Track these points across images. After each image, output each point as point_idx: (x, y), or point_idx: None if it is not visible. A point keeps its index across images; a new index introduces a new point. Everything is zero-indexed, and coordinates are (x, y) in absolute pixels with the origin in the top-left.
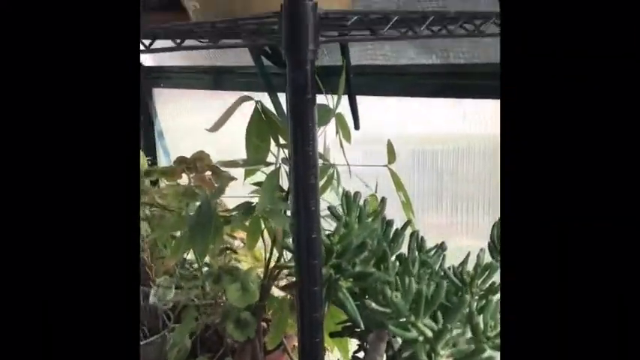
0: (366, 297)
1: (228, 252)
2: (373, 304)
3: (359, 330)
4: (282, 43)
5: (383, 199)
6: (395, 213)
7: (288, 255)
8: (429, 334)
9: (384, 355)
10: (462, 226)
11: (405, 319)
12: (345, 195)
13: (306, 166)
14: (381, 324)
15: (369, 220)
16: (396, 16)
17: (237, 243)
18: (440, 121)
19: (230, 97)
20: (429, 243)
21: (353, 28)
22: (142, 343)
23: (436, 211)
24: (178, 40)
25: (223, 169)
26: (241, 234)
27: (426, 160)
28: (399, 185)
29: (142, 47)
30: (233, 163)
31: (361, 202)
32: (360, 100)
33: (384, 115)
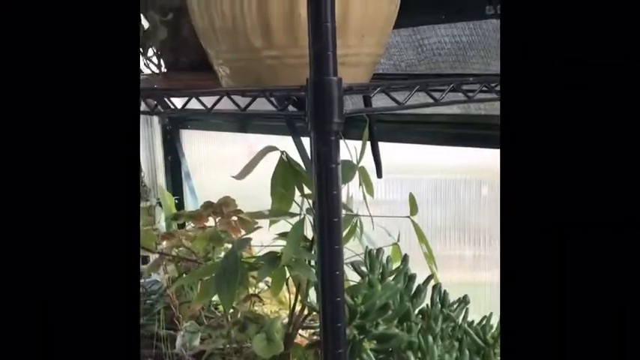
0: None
1: (253, 300)
2: None
3: None
4: (307, 115)
5: (405, 257)
6: (417, 261)
7: (312, 298)
8: None
9: None
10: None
11: None
12: (369, 253)
13: (333, 239)
14: None
15: (392, 277)
16: (417, 86)
17: (261, 285)
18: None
19: (255, 140)
20: (453, 277)
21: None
22: None
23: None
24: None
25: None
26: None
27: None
28: (421, 237)
29: (174, 106)
30: (259, 215)
31: (384, 259)
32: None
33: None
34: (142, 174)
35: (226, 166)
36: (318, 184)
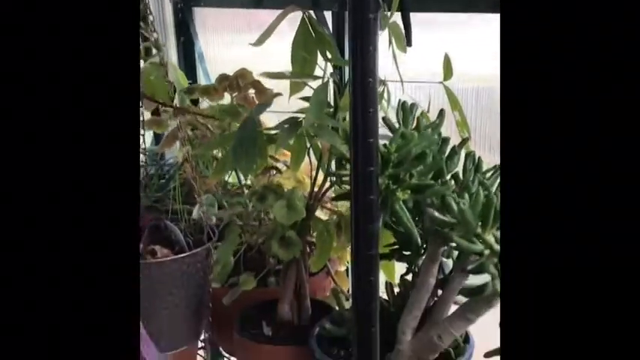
0: (428, 205)
1: (272, 172)
2: (436, 213)
3: (408, 253)
4: None
5: (441, 112)
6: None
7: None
8: (497, 247)
9: (435, 278)
10: None
11: (470, 231)
12: (402, 105)
13: (365, 77)
14: (440, 239)
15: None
16: None
17: (279, 165)
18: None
19: (273, 16)
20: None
21: None
22: (186, 254)
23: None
24: None
25: (267, 84)
26: (283, 157)
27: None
28: (454, 103)
29: None
30: (279, 75)
31: (418, 113)
32: None
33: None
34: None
35: (242, 46)
36: (353, 34)
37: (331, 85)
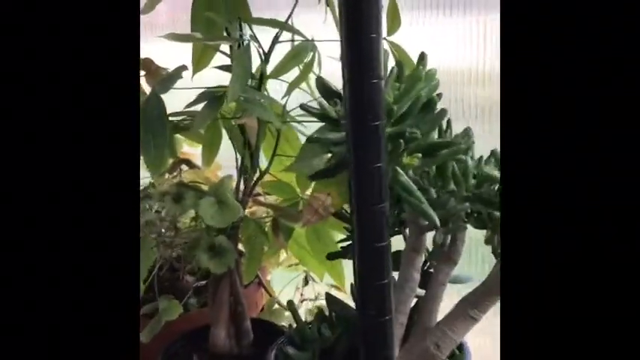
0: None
1: (182, 168)
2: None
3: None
4: None
5: (423, 55)
6: None
7: (263, 166)
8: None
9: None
10: None
11: None
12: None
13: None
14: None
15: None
16: None
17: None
18: None
19: None
20: None
21: None
22: None
23: None
24: None
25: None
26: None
27: None
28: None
29: None
30: (188, 37)
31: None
32: None
33: None
34: None
35: None
36: None
37: (254, 49)
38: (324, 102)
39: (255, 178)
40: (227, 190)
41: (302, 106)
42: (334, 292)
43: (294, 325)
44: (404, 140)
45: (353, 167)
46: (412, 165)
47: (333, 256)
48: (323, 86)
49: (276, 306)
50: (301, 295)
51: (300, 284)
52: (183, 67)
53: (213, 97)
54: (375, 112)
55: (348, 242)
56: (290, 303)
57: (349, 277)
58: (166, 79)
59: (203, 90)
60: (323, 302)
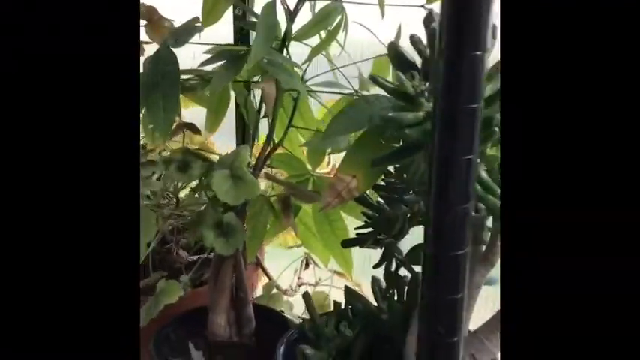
0: None
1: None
2: None
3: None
4: None
5: None
6: None
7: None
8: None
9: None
10: None
11: None
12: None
13: None
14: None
15: None
16: None
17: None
18: None
19: None
20: None
21: None
22: None
23: None
24: None
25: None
26: None
27: None
28: None
29: None
30: None
31: None
32: None
33: None
34: None
35: None
36: None
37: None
38: (401, 75)
39: (268, 151)
40: (243, 164)
41: (372, 78)
42: (337, 279)
43: (297, 317)
44: (496, 127)
45: (436, 157)
46: (496, 157)
47: (348, 243)
48: (398, 56)
49: (275, 290)
50: (298, 278)
51: (299, 267)
52: (197, 19)
53: (233, 56)
54: (472, 92)
55: (367, 230)
56: (306, 296)
57: (356, 265)
58: (180, 31)
59: (212, 47)
60: (324, 288)
